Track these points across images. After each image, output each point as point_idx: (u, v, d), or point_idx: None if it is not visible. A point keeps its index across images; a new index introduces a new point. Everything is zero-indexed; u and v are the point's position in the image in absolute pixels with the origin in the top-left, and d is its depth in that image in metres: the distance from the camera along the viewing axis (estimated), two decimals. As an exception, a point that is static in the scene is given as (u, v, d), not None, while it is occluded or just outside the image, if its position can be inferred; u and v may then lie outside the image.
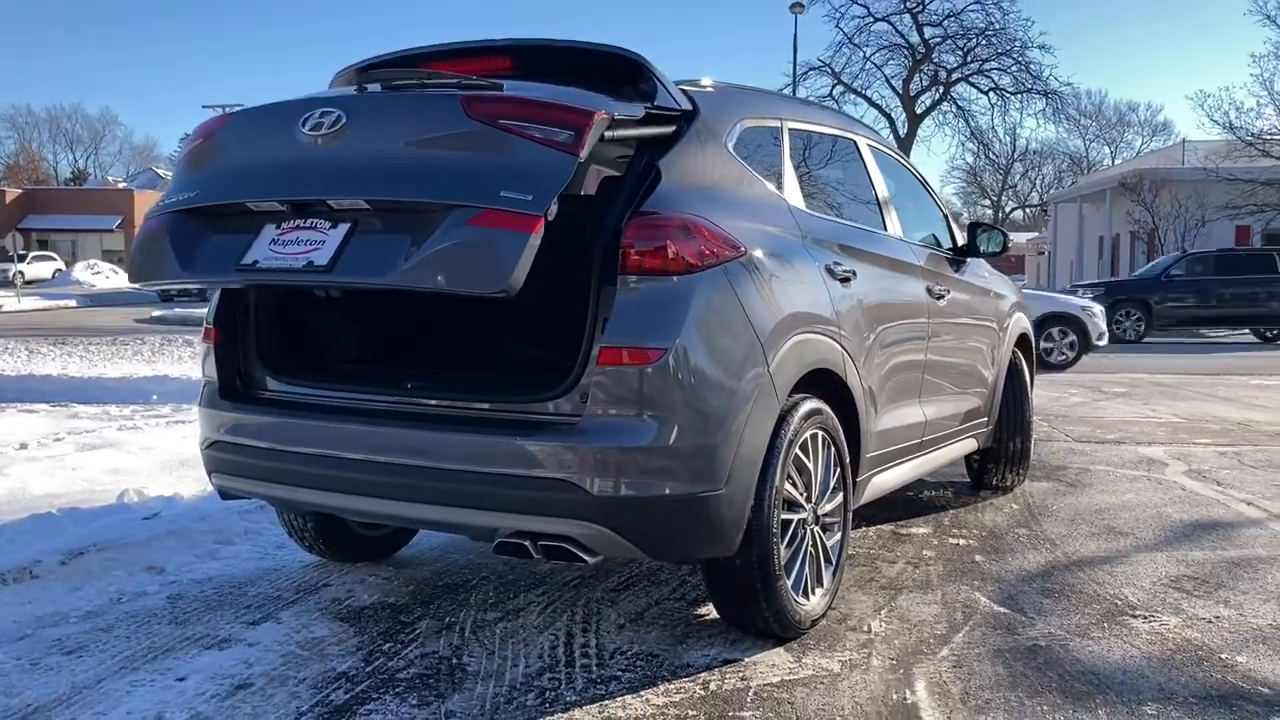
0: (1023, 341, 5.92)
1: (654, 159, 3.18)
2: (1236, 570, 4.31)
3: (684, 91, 3.48)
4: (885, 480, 4.24)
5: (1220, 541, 4.78)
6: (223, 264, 3.12)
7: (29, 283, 36.27)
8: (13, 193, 57.69)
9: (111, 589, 3.83)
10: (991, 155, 53.68)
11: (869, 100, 38.30)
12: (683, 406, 2.98)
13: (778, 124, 3.86)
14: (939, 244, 5.19)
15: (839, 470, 3.68)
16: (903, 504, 5.57)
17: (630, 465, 2.94)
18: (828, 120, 4.35)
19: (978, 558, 4.49)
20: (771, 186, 3.64)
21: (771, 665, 3.25)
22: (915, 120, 37.06)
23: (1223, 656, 3.34)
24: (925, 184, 5.31)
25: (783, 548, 3.32)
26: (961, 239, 5.28)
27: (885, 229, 4.44)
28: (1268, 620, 3.69)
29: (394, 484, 3.13)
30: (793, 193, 3.75)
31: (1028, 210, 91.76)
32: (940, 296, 4.66)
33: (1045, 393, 11.00)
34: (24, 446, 6.67)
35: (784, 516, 3.34)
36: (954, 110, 39.27)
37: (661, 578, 4.10)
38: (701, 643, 3.43)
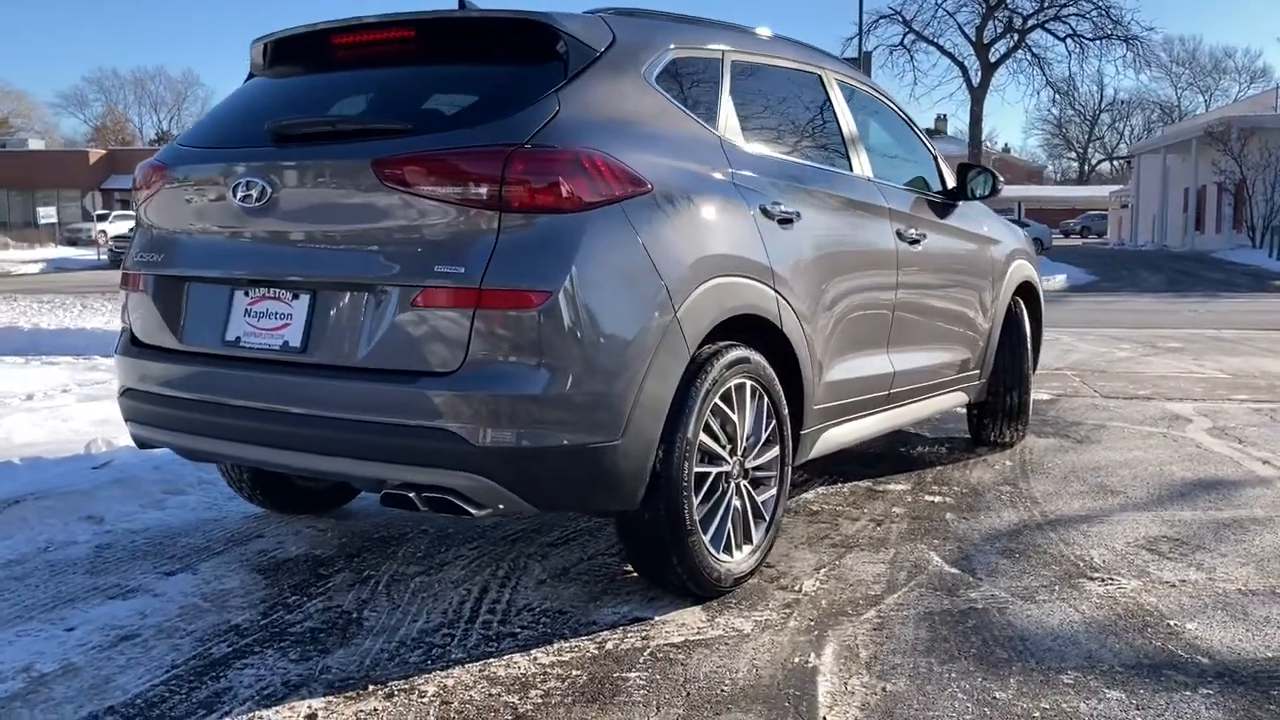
0: (1025, 290, 5.62)
1: (554, 90, 3.00)
2: (1223, 532, 4.03)
3: (603, 19, 3.29)
4: (842, 434, 4.04)
5: (1218, 501, 4.48)
6: (210, 336, 3.20)
7: (116, 238, 37.10)
8: (96, 153, 59.18)
9: (41, 538, 3.80)
10: (1075, 105, 52.03)
11: (940, 48, 37.25)
12: (571, 353, 2.81)
13: (717, 55, 3.64)
14: (928, 186, 4.92)
15: (774, 422, 3.49)
16: (890, 459, 5.35)
17: (513, 414, 2.79)
18: (785, 53, 4.10)
19: (948, 516, 4.27)
20: (702, 121, 3.43)
21: (681, 625, 3.10)
22: (989, 69, 35.92)
23: (1171, 623, 3.11)
24: (911, 124, 5.03)
25: (697, 502, 3.15)
26: (953, 182, 5.00)
27: (851, 169, 4.19)
28: (1237, 585, 3.43)
29: (283, 433, 3.02)
30: (729, 128, 3.54)
31: (1115, 163, 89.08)
32: (915, 241, 4.41)
33: (1092, 347, 10.62)
34: (29, 397, 6.75)
35: (700, 469, 3.17)
36: (1029, 58, 37.99)
37: (603, 533, 3.96)
38: (617, 600, 3.29)
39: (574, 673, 2.78)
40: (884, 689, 2.68)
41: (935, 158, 5.06)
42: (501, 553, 3.74)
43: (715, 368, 3.17)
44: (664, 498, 3.05)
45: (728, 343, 3.28)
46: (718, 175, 3.35)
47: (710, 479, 3.24)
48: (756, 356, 3.37)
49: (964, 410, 5.52)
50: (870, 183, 4.25)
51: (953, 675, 2.76)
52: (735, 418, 3.30)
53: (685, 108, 3.39)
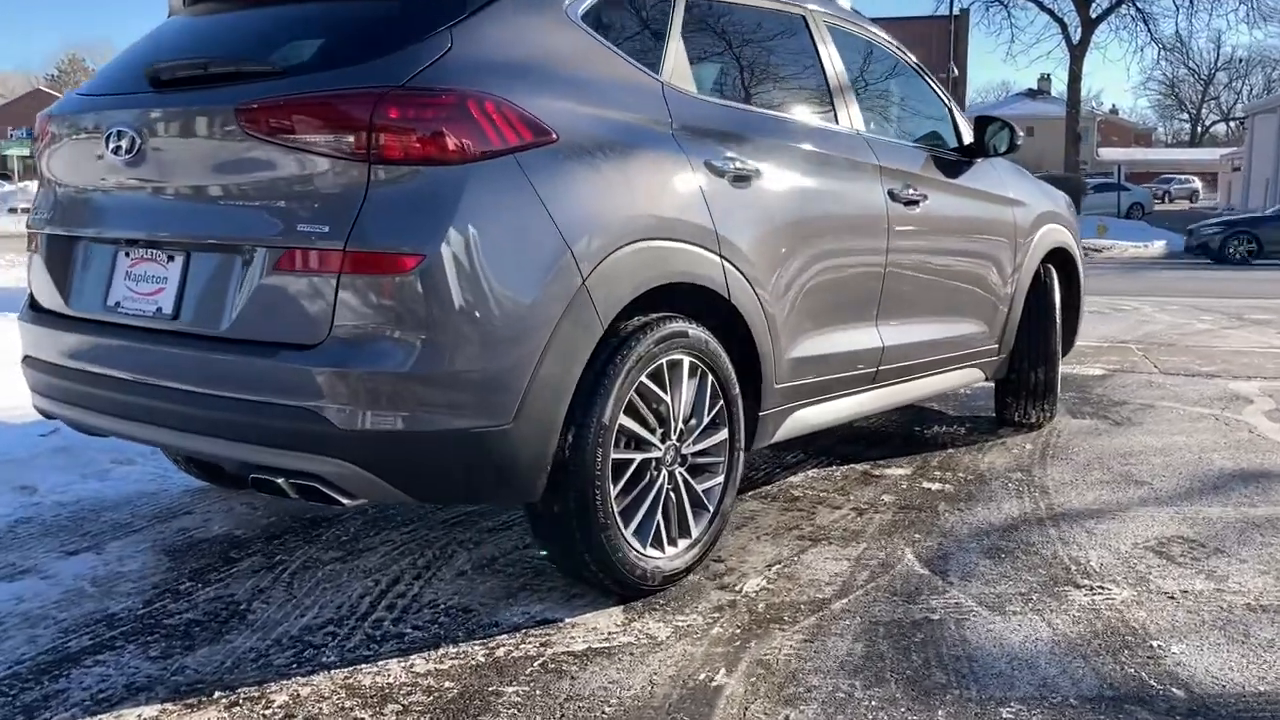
0: (1059, 257, 5.12)
1: (448, 26, 2.66)
2: (1250, 533, 3.56)
3: (525, -50, 2.93)
4: (816, 415, 3.65)
5: (1254, 496, 3.99)
6: (94, 301, 2.97)
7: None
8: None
9: (-40, 510, 3.62)
10: (1189, 64, 49.59)
11: (1039, 4, 35.71)
12: (449, 325, 2.49)
13: (667, -8, 3.26)
14: (943, 143, 4.46)
15: (720, 403, 3.12)
16: (899, 439, 4.93)
17: (382, 394, 2.48)
18: (759, -9, 3.69)
19: (941, 506, 3.86)
20: (639, 65, 3.06)
21: (592, 629, 2.77)
22: (1089, 25, 34.26)
23: (1155, 644, 2.69)
24: (924, 75, 4.57)
25: (615, 491, 2.81)
26: (970, 138, 4.53)
27: (836, 122, 3.77)
28: (1247, 599, 2.98)
29: (157, 408, 2.76)
30: (677, 74, 3.16)
31: (1231, 124, 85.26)
32: (912, 202, 3.97)
33: (1171, 318, 10.01)
34: None
35: (620, 456, 2.83)
36: (1133, 13, 36.23)
37: (549, 518, 3.64)
38: (534, 598, 2.97)
39: (446, 684, 2.47)
40: (785, 718, 2.32)
41: (951, 111, 4.59)
42: (434, 538, 3.45)
43: (642, 343, 2.82)
44: (572, 488, 2.73)
45: (661, 315, 2.92)
46: (653, 126, 2.98)
47: (634, 466, 2.90)
48: (698, 330, 3.00)
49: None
50: (857, 137, 3.82)
51: (872, 704, 2.39)
52: (668, 398, 2.95)
53: (618, 49, 3.01)
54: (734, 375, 3.16)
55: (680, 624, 2.81)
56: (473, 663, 2.58)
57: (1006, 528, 3.64)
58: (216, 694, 2.43)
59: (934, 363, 4.31)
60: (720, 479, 3.17)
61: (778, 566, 3.24)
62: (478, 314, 2.51)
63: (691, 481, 3.07)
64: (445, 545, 3.38)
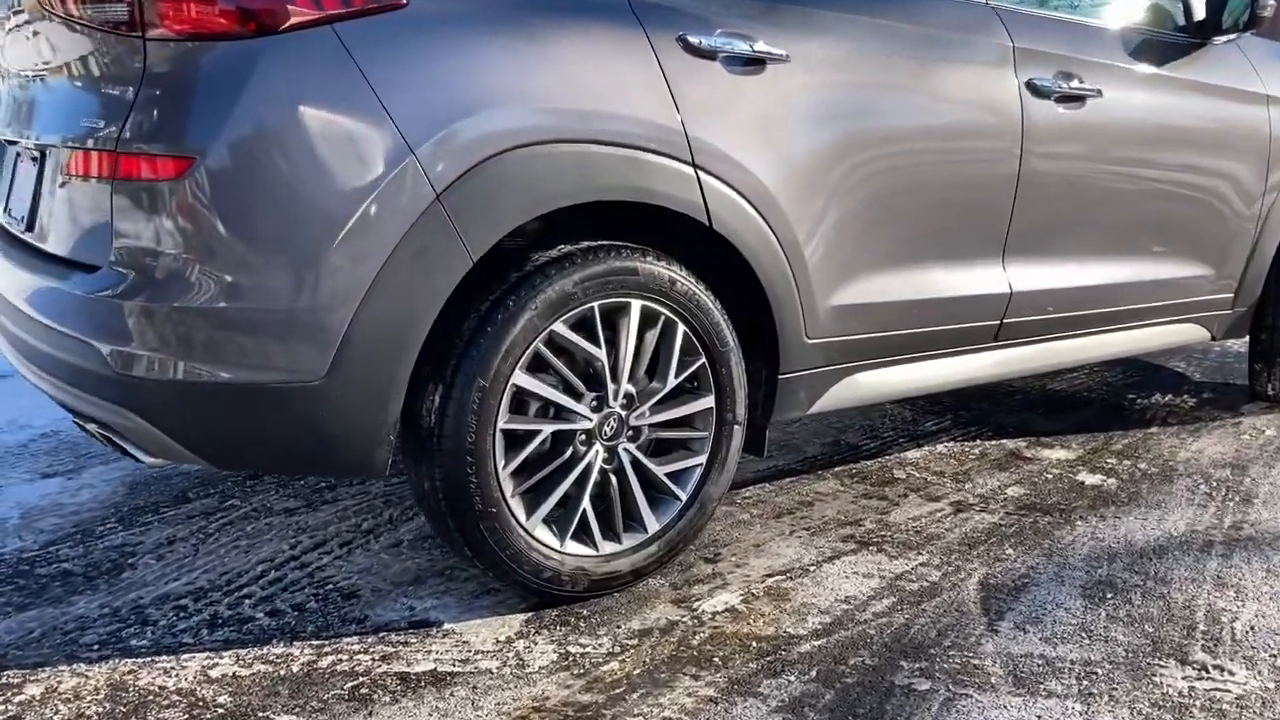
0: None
1: None
2: None
3: None
4: (888, 380, 2.78)
5: None
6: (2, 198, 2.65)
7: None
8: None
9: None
10: None
11: None
12: (231, 249, 1.94)
13: None
14: (1165, 21, 3.30)
15: (700, 361, 2.38)
16: (1094, 408, 3.87)
17: (155, 332, 1.98)
18: None
19: (1079, 511, 2.89)
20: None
21: (462, 642, 2.18)
22: None
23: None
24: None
25: (507, 470, 2.18)
26: (1201, 14, 3.33)
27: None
28: None
29: (13, 335, 2.42)
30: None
31: None
32: (1072, 98, 2.92)
33: None
34: None
35: (516, 425, 2.18)
36: None
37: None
38: (437, 589, 2.41)
39: (220, 699, 1.98)
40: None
41: (1178, -26, 3.38)
42: (404, 498, 2.94)
43: (554, 281, 2.14)
44: (438, 464, 2.12)
45: (592, 245, 2.22)
46: None
47: (543, 439, 2.24)
48: (657, 266, 2.27)
49: None
50: (980, 5, 2.81)
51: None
52: (601, 354, 2.24)
53: None
54: (726, 326, 2.39)
55: (574, 651, 2.14)
56: (281, 672, 2.06)
57: (1147, 552, 2.63)
58: (-23, 674, 2.06)
59: (1112, 315, 3.23)
60: (699, 460, 2.43)
61: (776, 579, 2.46)
62: (270, 235, 1.93)
63: (647, 462, 2.36)
64: (406, 510, 2.86)
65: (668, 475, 2.40)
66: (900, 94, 2.62)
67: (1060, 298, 3.05)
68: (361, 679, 2.04)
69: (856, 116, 2.54)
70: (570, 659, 2.11)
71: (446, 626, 2.25)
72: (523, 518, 2.22)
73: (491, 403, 2.12)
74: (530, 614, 2.30)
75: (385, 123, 1.96)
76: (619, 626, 2.24)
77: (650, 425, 2.37)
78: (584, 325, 2.23)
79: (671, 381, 2.36)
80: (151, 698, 1.98)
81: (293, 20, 1.93)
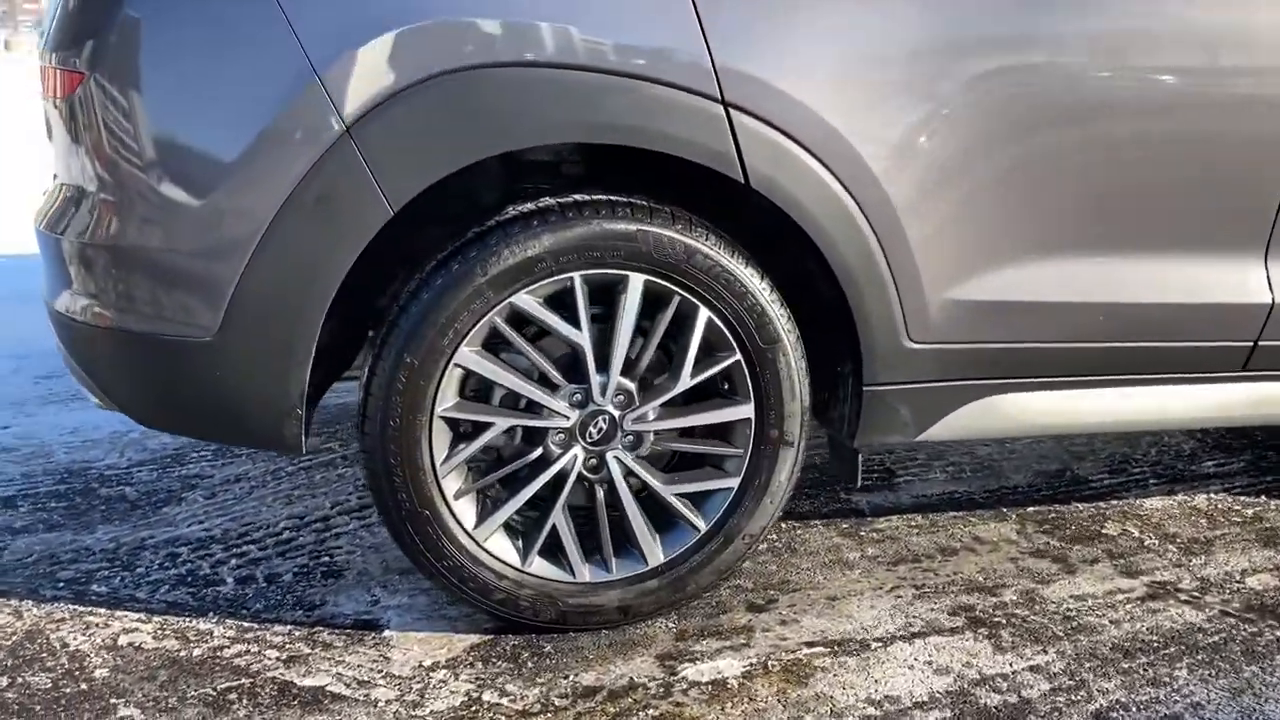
0: None
1: None
2: None
3: None
4: (1055, 408, 2.05)
5: None
6: None
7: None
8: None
9: None
10: None
11: None
12: (117, 177, 1.72)
13: None
14: None
15: (735, 358, 1.85)
16: None
17: (66, 264, 1.82)
18: None
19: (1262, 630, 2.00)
20: None
21: (381, 659, 1.86)
22: None
23: None
24: None
25: (446, 466, 1.80)
26: None
27: None
28: None
29: None
30: None
31: None
32: None
33: None
34: None
35: (461, 415, 1.80)
36: None
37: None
38: (411, 587, 2.10)
39: (98, 671, 1.81)
40: None
41: None
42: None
43: (518, 244, 1.73)
44: (362, 450, 1.80)
45: (582, 199, 1.77)
46: None
47: (515, 435, 1.84)
48: (669, 232, 1.77)
49: None
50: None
51: None
52: (582, 338, 1.79)
53: None
54: (777, 315, 1.83)
55: (487, 700, 1.75)
56: (180, 654, 1.86)
57: (1406, 720, 1.74)
58: (-59, 593, 2.06)
59: None
60: (729, 483, 1.91)
61: (816, 651, 1.89)
62: (158, 167, 1.68)
63: (647, 476, 1.88)
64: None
65: (682, 496, 1.90)
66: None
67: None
68: (244, 680, 1.78)
69: (1006, 20, 1.83)
70: (474, 709, 1.71)
71: (388, 634, 1.93)
72: (469, 524, 1.83)
73: (422, 383, 1.74)
74: (487, 637, 1.92)
75: (285, 34, 1.62)
76: (566, 677, 1.80)
77: (657, 432, 1.87)
78: (559, 301, 1.78)
79: (686, 380, 1.84)
80: (46, 655, 1.85)
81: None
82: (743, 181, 1.75)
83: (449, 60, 1.63)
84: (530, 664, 1.84)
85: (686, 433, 1.93)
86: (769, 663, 1.85)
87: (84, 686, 1.76)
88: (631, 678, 1.80)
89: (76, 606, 2.00)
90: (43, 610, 1.99)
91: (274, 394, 1.74)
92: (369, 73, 1.62)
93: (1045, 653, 1.89)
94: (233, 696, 1.74)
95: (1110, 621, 2.00)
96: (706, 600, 2.03)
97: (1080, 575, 2.18)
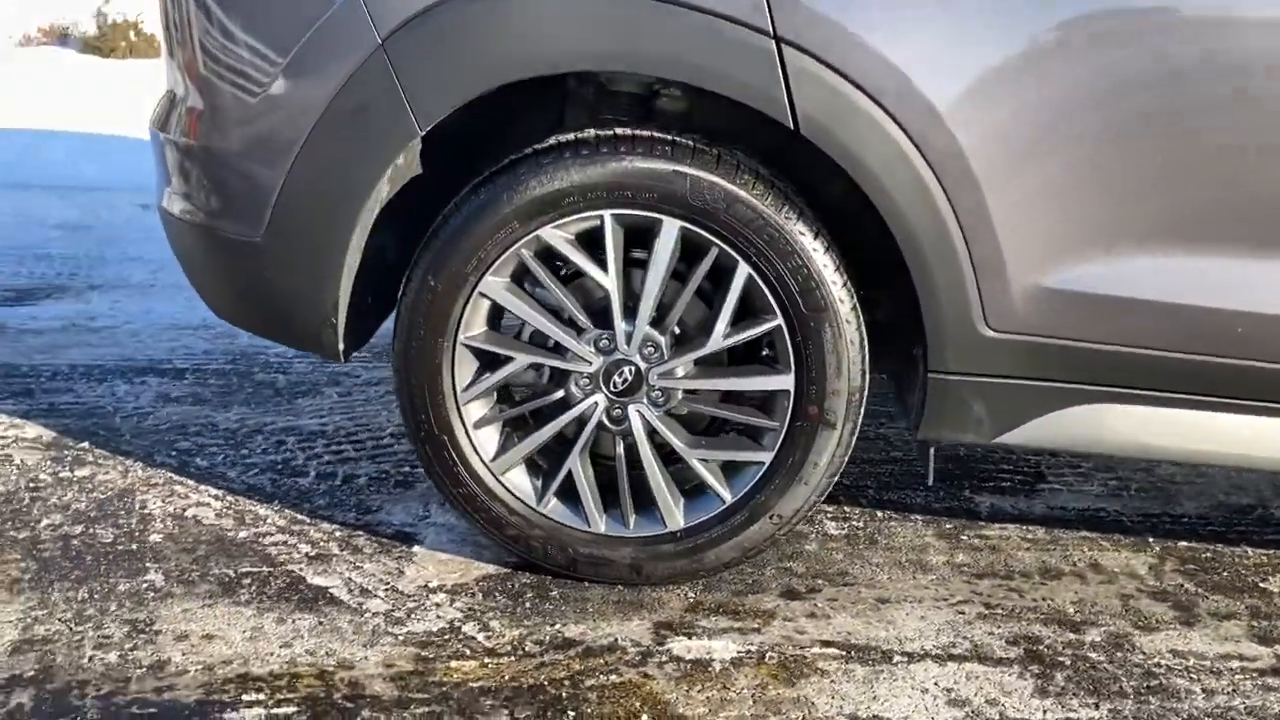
0: None
1: None
2: None
3: None
4: (1169, 430, 1.74)
5: None
6: None
7: None
8: None
9: None
10: None
11: None
12: (196, 84, 1.82)
13: None
14: None
15: (777, 322, 1.72)
16: None
17: (168, 162, 1.95)
18: None
19: None
20: None
21: (393, 572, 1.90)
22: None
23: None
24: None
25: (467, 394, 1.80)
26: None
27: None
28: None
29: None
30: None
31: None
32: None
33: None
34: None
35: (492, 348, 1.79)
36: None
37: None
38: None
39: (152, 537, 1.97)
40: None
41: None
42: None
43: (547, 175, 1.68)
44: (393, 369, 1.83)
45: (614, 133, 1.69)
46: None
47: (520, 369, 1.81)
48: (711, 176, 1.65)
49: None
50: None
51: None
52: (609, 283, 1.72)
53: None
54: (828, 279, 1.67)
55: (466, 632, 1.74)
56: (229, 534, 1.99)
57: None
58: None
59: None
60: (762, 457, 1.77)
61: (829, 653, 1.73)
62: (218, 73, 1.76)
63: (669, 435, 1.78)
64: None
65: (709, 463, 1.79)
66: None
67: None
68: (265, 569, 1.88)
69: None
70: (447, 637, 1.71)
71: (416, 550, 1.97)
72: (488, 454, 1.81)
73: (444, 308, 1.73)
74: (504, 571, 1.91)
75: (334, -55, 1.64)
76: (554, 625, 1.76)
77: (687, 391, 1.76)
78: (590, 240, 1.71)
79: (718, 340, 1.72)
80: (123, 513, 2.03)
81: None
82: (792, 128, 1.59)
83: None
84: (528, 605, 1.81)
85: (730, 398, 1.79)
86: (769, 654, 1.71)
87: (134, 547, 1.91)
88: (616, 639, 1.73)
89: (174, 475, 2.18)
90: (145, 473, 2.18)
91: (311, 300, 1.79)
92: (393, -6, 1.60)
93: (1097, 708, 1.63)
94: (246, 581, 1.83)
95: (1203, 690, 1.69)
96: (743, 576, 1.91)
97: (1198, 629, 1.85)
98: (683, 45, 1.58)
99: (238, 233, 1.80)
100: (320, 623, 1.73)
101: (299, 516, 2.04)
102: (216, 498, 2.10)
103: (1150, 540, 2.14)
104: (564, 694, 1.59)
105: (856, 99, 1.56)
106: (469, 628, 1.73)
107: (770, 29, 1.55)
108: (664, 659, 1.68)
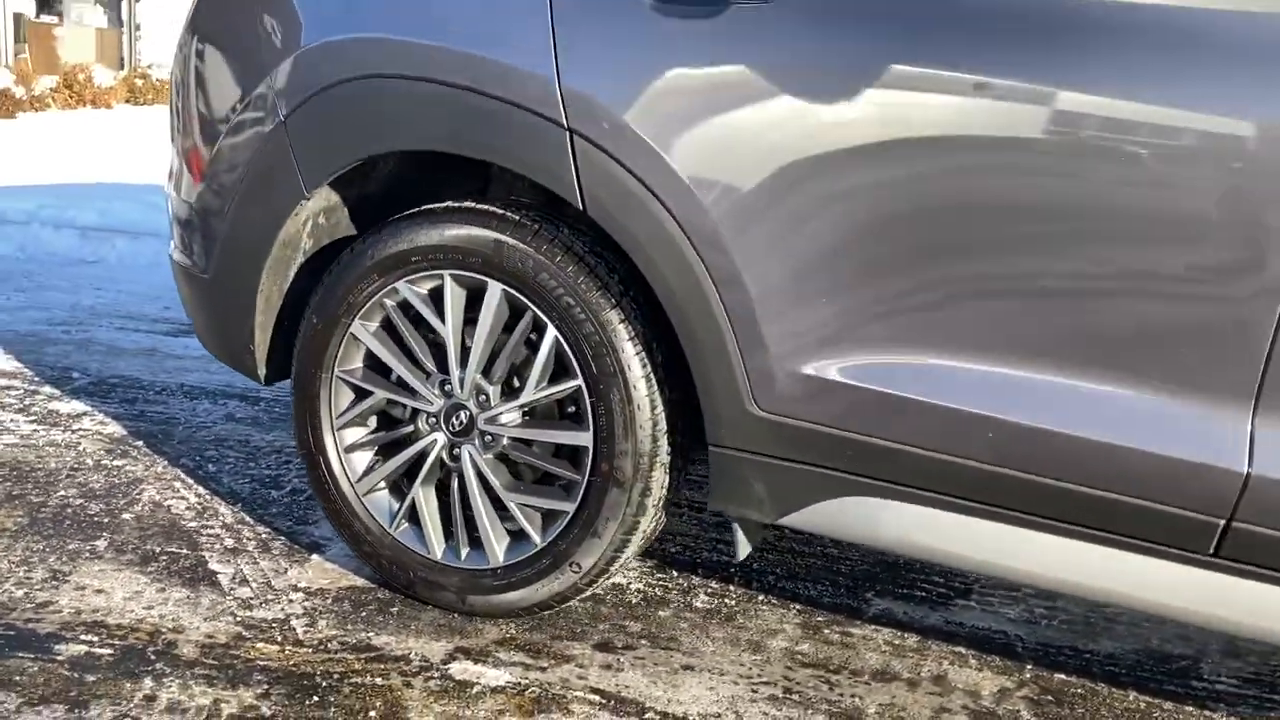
0: None
1: None
2: None
3: None
4: (946, 535, 1.74)
5: None
6: None
7: None
8: None
9: None
10: None
11: None
12: (182, 132, 2.25)
13: None
14: None
15: (578, 382, 1.90)
16: None
17: (169, 211, 2.40)
18: None
19: None
20: None
21: (276, 574, 2.21)
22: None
23: None
24: None
25: (337, 419, 2.09)
26: None
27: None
28: None
29: None
30: None
31: None
32: None
33: None
34: None
35: (355, 381, 2.08)
36: None
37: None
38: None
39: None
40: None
41: None
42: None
43: (397, 237, 1.97)
44: (296, 388, 2.17)
45: (453, 205, 1.97)
46: None
47: (381, 403, 2.08)
48: (524, 247, 1.88)
49: None
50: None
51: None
52: (445, 332, 1.97)
53: None
54: (618, 345, 1.84)
55: (293, 624, 2.00)
56: (177, 522, 2.37)
57: None
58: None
59: None
60: (567, 507, 1.93)
61: (589, 699, 1.84)
62: (191, 125, 2.19)
63: (490, 476, 1.98)
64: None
65: (528, 509, 1.97)
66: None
67: None
68: (186, 552, 2.22)
69: (878, 84, 1.63)
70: (272, 625, 1.98)
71: (314, 558, 2.25)
72: (355, 476, 2.09)
73: (323, 344, 2.04)
74: (369, 585, 2.15)
75: (257, 46, 2.03)
76: (368, 633, 1.98)
77: (512, 439, 1.96)
78: (437, 297, 1.97)
79: (531, 394, 1.91)
80: (120, 497, 2.46)
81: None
82: (581, 208, 1.78)
83: (343, 71, 1.90)
84: (364, 614, 2.04)
85: (560, 451, 1.96)
86: (531, 688, 1.84)
87: (105, 520, 2.32)
88: (411, 652, 1.92)
89: (182, 475, 2.59)
90: (161, 470, 2.61)
91: (236, 330, 2.15)
92: (297, 77, 1.95)
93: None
94: (163, 558, 2.18)
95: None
96: (577, 622, 2.04)
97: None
98: (496, 133, 1.81)
99: (199, 271, 2.20)
100: (189, 596, 2.05)
101: (245, 518, 2.39)
102: (198, 495, 2.49)
103: (1028, 668, 2.05)
104: (324, 684, 1.80)
105: (632, 185, 1.73)
106: (297, 622, 1.99)
107: (564, 121, 1.76)
108: (436, 675, 1.86)
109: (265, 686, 1.78)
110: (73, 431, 2.80)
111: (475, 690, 1.82)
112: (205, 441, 2.81)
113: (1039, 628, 2.20)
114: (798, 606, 2.20)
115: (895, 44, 1.60)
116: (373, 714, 1.74)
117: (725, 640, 2.05)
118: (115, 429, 2.85)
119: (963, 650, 2.09)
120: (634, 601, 2.16)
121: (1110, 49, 1.50)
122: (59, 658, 1.82)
